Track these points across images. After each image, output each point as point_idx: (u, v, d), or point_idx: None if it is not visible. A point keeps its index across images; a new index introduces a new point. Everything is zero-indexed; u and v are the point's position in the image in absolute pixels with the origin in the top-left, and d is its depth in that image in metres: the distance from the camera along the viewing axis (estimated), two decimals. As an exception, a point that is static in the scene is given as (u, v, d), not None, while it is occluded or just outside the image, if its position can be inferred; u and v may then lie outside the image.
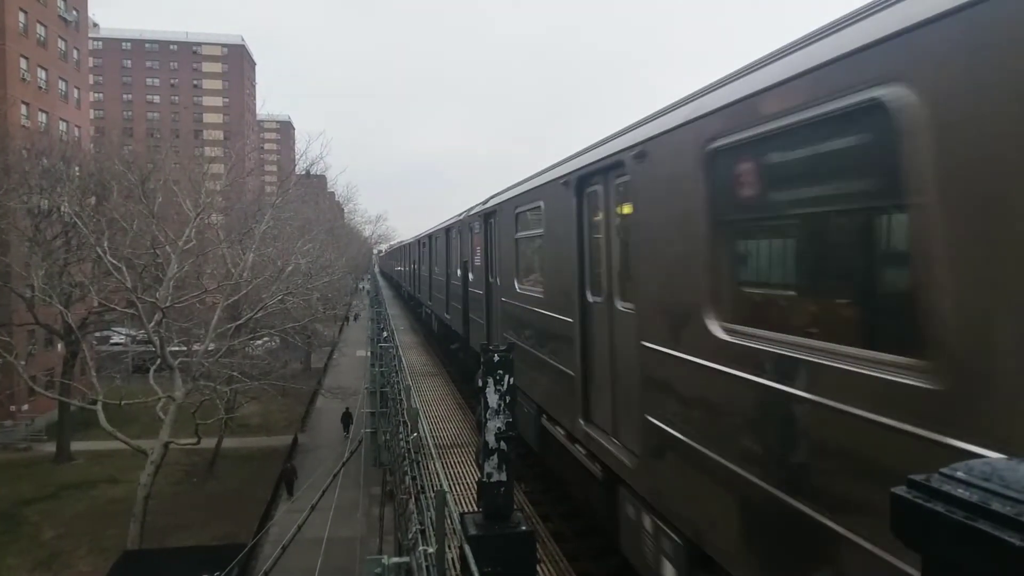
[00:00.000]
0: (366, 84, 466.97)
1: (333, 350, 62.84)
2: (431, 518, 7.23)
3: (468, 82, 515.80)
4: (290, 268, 34.34)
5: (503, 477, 7.23)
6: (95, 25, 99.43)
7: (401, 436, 12.21)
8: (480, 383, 7.62)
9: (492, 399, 7.48)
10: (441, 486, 7.39)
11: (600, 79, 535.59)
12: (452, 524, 6.77)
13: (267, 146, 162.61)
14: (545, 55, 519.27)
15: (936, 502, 1.15)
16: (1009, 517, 1.04)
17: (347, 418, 41.07)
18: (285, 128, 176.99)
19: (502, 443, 7.37)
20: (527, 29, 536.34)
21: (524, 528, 7.10)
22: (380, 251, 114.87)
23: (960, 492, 1.13)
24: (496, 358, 7.67)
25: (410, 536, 8.29)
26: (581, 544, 9.24)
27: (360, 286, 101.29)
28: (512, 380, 7.70)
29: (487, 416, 7.46)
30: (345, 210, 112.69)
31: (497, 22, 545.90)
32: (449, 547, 6.82)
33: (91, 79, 72.73)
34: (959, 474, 1.17)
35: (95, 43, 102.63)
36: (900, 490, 1.22)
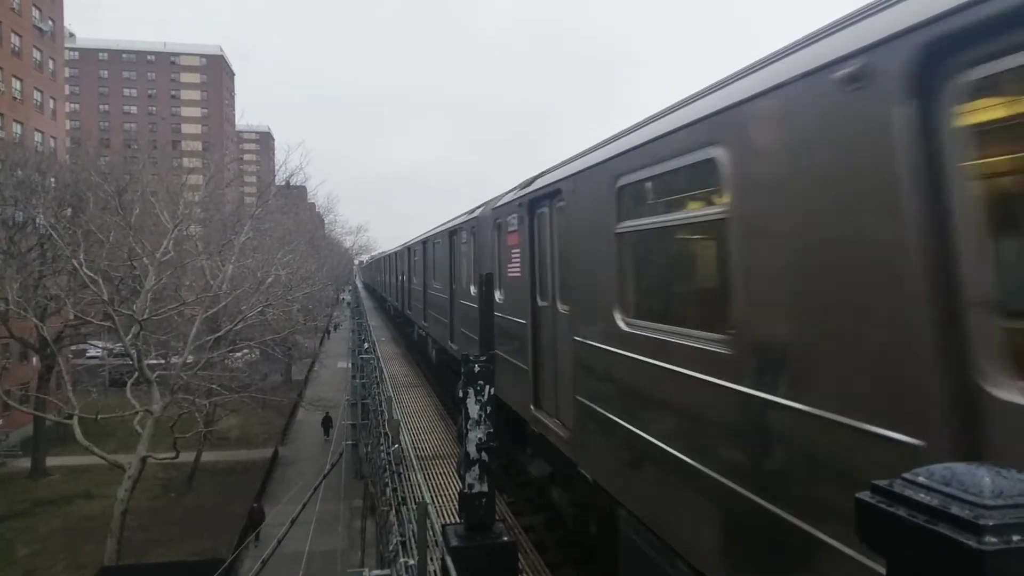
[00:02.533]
0: (346, 95, 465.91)
1: (314, 362, 62.38)
2: (412, 530, 7.20)
3: (448, 92, 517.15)
4: (270, 279, 34.10)
5: (484, 488, 7.22)
6: (71, 35, 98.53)
7: (382, 448, 12.14)
8: (461, 394, 7.63)
9: (473, 410, 7.47)
10: (423, 498, 7.37)
11: (580, 85, 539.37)
12: (434, 536, 6.74)
13: (246, 157, 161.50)
14: (526, 64, 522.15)
15: (899, 506, 1.18)
16: (967, 520, 1.07)
17: (327, 422, 41.54)
18: (264, 139, 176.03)
19: (483, 454, 7.36)
20: (508, 37, 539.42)
21: (506, 539, 7.09)
22: (362, 261, 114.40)
23: (921, 496, 1.16)
24: (477, 368, 7.68)
25: (391, 548, 8.25)
26: (563, 554, 9.24)
27: (341, 297, 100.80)
28: (492, 391, 7.71)
29: (468, 427, 7.45)
30: (326, 221, 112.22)
31: (477, 30, 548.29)
32: (431, 559, 6.79)
33: (67, 89, 71.95)
34: (920, 479, 1.20)
35: (71, 53, 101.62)
36: (864, 495, 1.25)
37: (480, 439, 7.38)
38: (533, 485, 10.96)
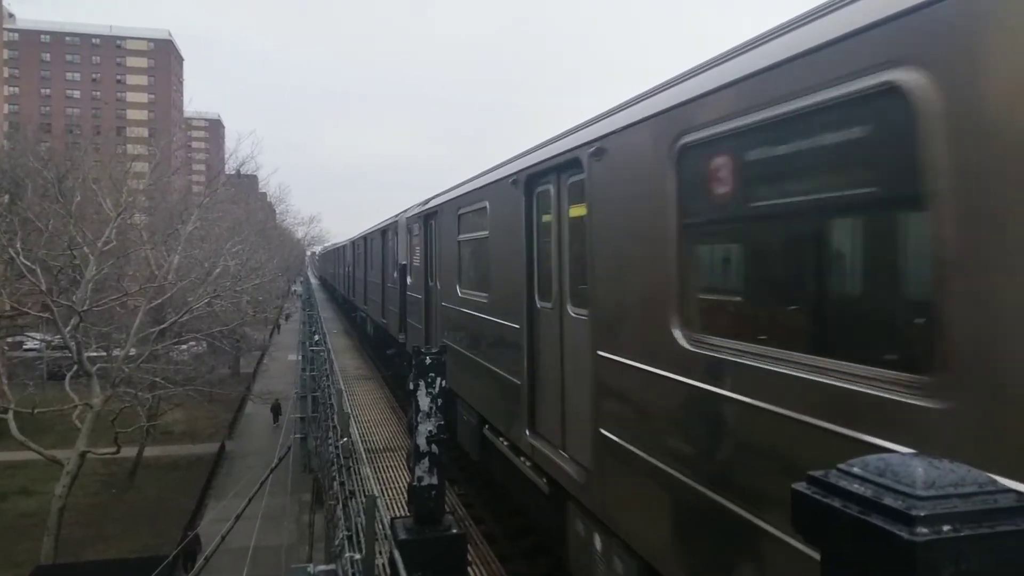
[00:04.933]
0: (301, 86, 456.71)
1: (263, 354, 61.30)
2: (360, 524, 7.11)
3: (406, 87, 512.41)
4: (218, 270, 33.41)
5: (434, 481, 7.18)
6: (11, 16, 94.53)
7: (330, 441, 11.99)
8: (412, 386, 7.56)
9: (424, 402, 7.41)
10: (371, 491, 7.28)
11: (536, 86, 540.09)
12: (383, 529, 6.67)
13: (195, 144, 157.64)
14: (484, 61, 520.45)
15: (833, 498, 1.18)
16: (900, 511, 1.06)
17: (276, 408, 41.22)
18: (214, 126, 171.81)
19: (433, 446, 7.32)
20: (468, 30, 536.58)
21: (455, 531, 7.07)
22: (314, 253, 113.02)
23: (856, 487, 1.16)
24: (428, 360, 7.63)
25: (336, 543, 8.14)
26: (514, 545, 9.25)
27: (293, 289, 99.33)
28: (444, 383, 7.66)
29: (418, 419, 7.40)
30: (277, 211, 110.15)
31: (437, 24, 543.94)
32: (379, 552, 6.71)
33: (6, 72, 69.08)
34: (855, 470, 1.20)
35: (11, 35, 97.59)
36: (800, 486, 1.24)
37: (431, 431, 7.34)
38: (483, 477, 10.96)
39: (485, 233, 8.29)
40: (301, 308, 54.04)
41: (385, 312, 19.18)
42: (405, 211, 15.94)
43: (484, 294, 8.41)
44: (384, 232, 19.51)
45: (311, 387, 23.19)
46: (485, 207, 8.28)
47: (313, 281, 73.99)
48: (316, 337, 23.30)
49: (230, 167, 47.93)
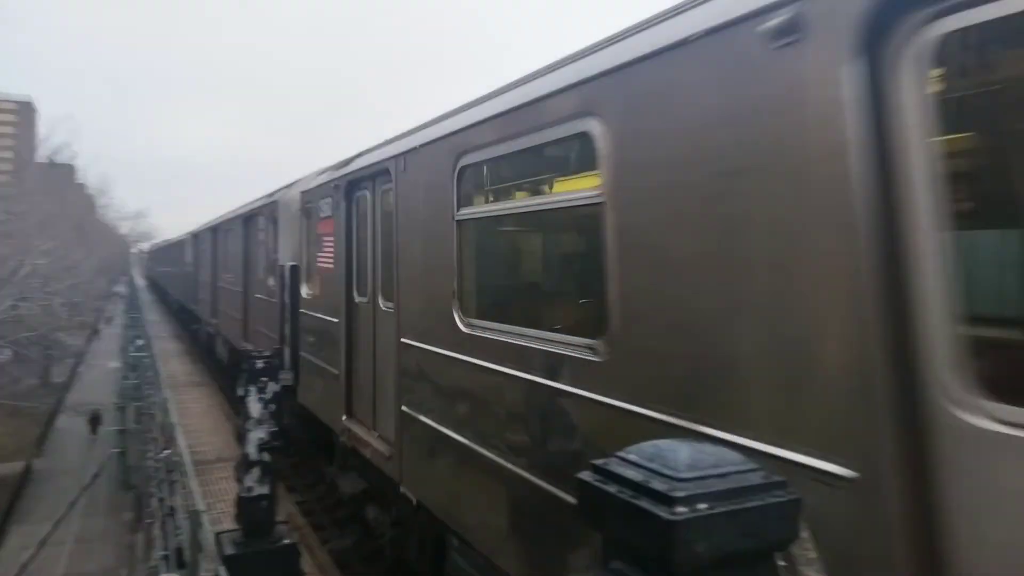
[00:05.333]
0: (125, 73, 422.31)
1: (79, 362, 56.08)
2: (184, 542, 6.70)
3: (242, 76, 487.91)
4: (25, 270, 30.31)
5: (265, 490, 6.94)
6: None
7: (151, 455, 11.17)
8: (242, 392, 7.24)
9: (255, 408, 7.16)
10: (196, 505, 6.87)
11: (383, 76, 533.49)
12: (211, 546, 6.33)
13: (1, 129, 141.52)
14: (322, 50, 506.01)
15: (611, 484, 1.25)
16: (663, 493, 1.15)
17: (95, 419, 38.08)
18: (25, 110, 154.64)
19: (265, 454, 7.07)
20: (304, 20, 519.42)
21: (286, 542, 6.86)
22: (142, 250, 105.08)
23: (630, 473, 1.24)
24: (260, 364, 7.33)
25: (151, 564, 7.62)
26: (354, 551, 9.08)
27: (115, 289, 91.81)
28: (278, 387, 7.38)
29: (249, 427, 7.12)
30: (98, 204, 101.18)
31: (279, 12, 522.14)
32: (205, 570, 6.36)
33: None
34: (632, 456, 1.28)
35: None
36: (585, 474, 1.31)
37: (262, 439, 7.09)
38: (324, 483, 10.67)
39: (591, 195, 3.42)
40: (125, 311, 50.06)
41: (251, 337, 13.85)
42: (292, 184, 11.55)
43: (597, 344, 3.39)
44: (249, 219, 14.46)
45: (133, 396, 21.47)
46: (587, 133, 3.45)
47: (140, 282, 68.69)
48: (140, 342, 21.64)
49: (42, 155, 43.44)
